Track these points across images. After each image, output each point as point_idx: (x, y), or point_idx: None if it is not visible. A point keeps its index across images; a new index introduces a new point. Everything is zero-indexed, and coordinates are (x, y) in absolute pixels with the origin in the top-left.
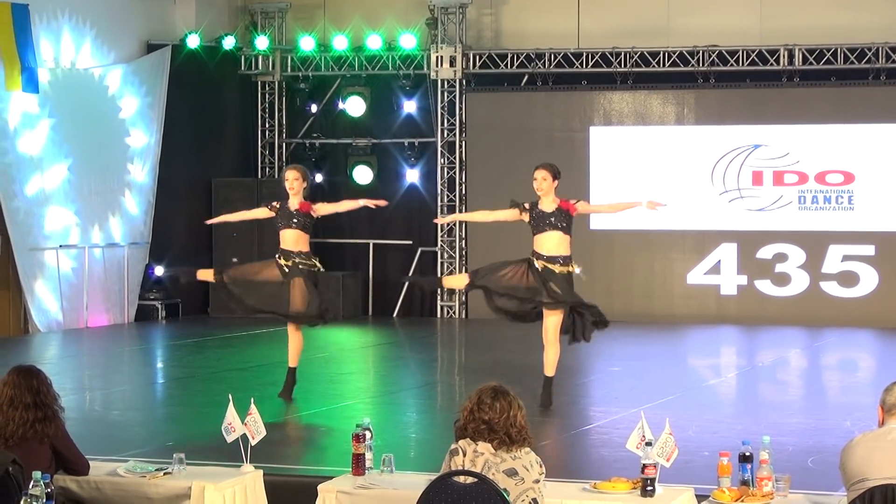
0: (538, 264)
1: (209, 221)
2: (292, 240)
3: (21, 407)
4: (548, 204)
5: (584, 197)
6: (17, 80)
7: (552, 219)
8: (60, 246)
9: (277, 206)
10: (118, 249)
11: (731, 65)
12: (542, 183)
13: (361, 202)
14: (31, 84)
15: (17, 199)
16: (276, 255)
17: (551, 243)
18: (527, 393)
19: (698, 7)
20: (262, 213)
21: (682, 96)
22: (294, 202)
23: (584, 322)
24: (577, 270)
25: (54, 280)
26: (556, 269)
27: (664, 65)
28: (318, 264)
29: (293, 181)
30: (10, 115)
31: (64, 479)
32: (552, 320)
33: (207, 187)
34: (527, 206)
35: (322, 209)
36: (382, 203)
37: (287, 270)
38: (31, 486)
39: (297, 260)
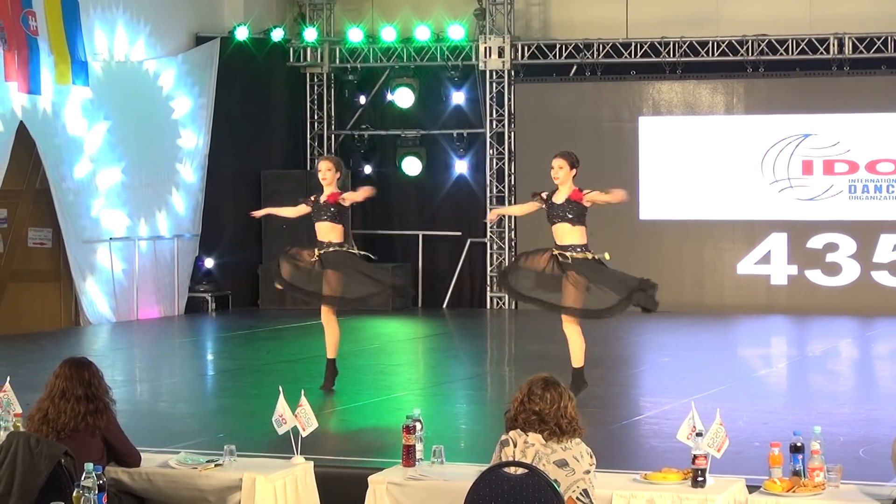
0: (556, 253)
1: (255, 213)
2: (325, 231)
3: (73, 399)
4: (561, 195)
5: (634, 186)
6: (67, 74)
7: (560, 210)
8: (111, 239)
9: (313, 199)
10: (168, 242)
11: (781, 54)
12: (559, 172)
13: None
14: (82, 77)
15: (70, 193)
16: (314, 248)
17: (561, 234)
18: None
19: None
20: (303, 209)
21: (731, 86)
22: (326, 193)
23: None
24: (606, 256)
25: (105, 272)
26: (572, 255)
27: (713, 54)
28: (354, 250)
29: (325, 172)
30: (66, 110)
31: (116, 471)
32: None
33: (257, 179)
34: (543, 195)
35: (350, 197)
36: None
37: (321, 261)
38: (83, 478)
39: (330, 250)
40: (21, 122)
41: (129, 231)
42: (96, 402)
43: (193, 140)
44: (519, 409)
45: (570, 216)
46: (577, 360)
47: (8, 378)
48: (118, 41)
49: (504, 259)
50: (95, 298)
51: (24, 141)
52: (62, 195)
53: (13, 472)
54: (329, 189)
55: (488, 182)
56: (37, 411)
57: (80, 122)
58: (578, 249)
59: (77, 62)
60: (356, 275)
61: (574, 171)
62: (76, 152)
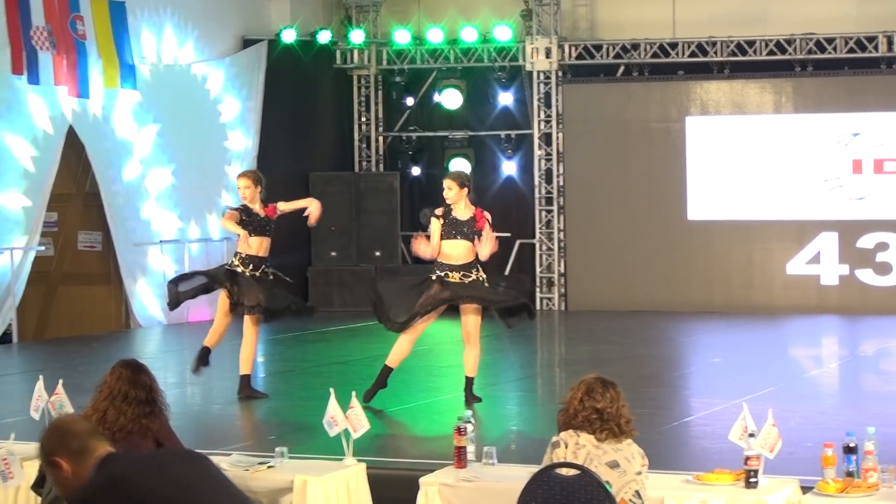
0: (451, 277)
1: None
2: (264, 247)
3: (135, 402)
4: (463, 212)
5: (681, 187)
6: (115, 78)
7: (462, 227)
8: (161, 241)
9: (240, 212)
10: (218, 244)
11: (829, 52)
12: (449, 192)
13: (311, 206)
14: (130, 81)
15: (119, 196)
16: (236, 262)
17: (460, 252)
18: (628, 386)
19: None
20: (235, 219)
21: (779, 85)
22: (259, 209)
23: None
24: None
25: (156, 275)
26: (470, 278)
27: (761, 53)
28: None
29: (244, 189)
30: (115, 113)
31: None
32: (471, 319)
33: (305, 182)
34: (439, 212)
35: (282, 207)
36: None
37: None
38: None
39: (265, 267)
40: (70, 125)
41: (179, 233)
42: (153, 406)
43: (242, 142)
44: (578, 407)
45: (475, 236)
46: (470, 369)
47: (60, 381)
48: (166, 44)
49: (553, 260)
50: (146, 301)
51: (73, 145)
52: (112, 198)
53: None
54: (256, 205)
55: (536, 183)
56: (93, 412)
57: (129, 126)
58: (474, 270)
59: (125, 66)
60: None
61: (465, 190)
62: (125, 155)
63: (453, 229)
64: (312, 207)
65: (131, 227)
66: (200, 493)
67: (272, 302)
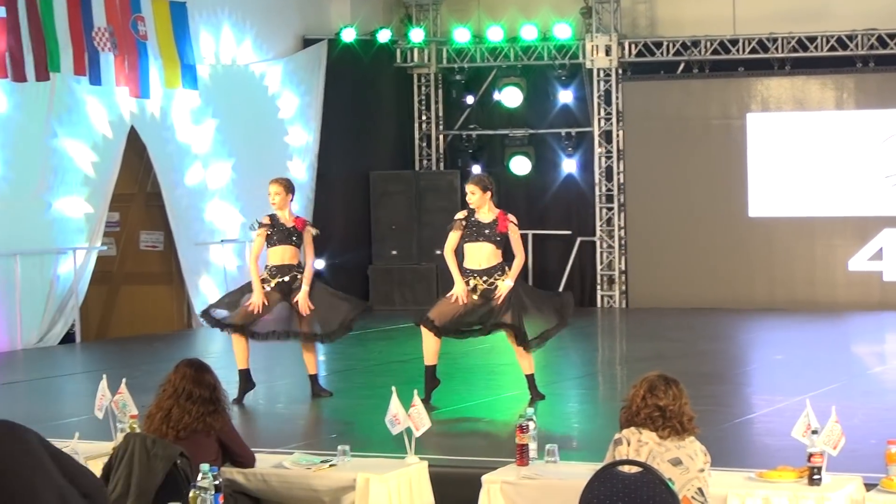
0: (473, 283)
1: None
2: (288, 255)
3: (199, 401)
4: (486, 215)
5: (743, 184)
6: (176, 78)
7: (485, 229)
8: (223, 241)
9: (270, 222)
10: None
11: (891, 48)
12: (472, 197)
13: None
14: (190, 81)
15: (181, 196)
16: (266, 276)
17: (482, 255)
18: (690, 383)
19: None
20: (259, 244)
21: (841, 81)
22: (287, 217)
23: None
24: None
25: (217, 274)
26: (491, 283)
27: (822, 49)
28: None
29: (275, 195)
30: (175, 113)
31: (231, 472)
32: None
33: (365, 180)
34: (461, 216)
35: (307, 237)
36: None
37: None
38: (199, 479)
39: (296, 274)
40: (132, 126)
41: (241, 230)
42: (216, 404)
43: (303, 137)
44: (641, 404)
45: (497, 238)
46: (527, 367)
47: (123, 380)
48: (225, 45)
49: (614, 257)
50: (207, 300)
51: (134, 145)
52: (173, 198)
53: (130, 474)
54: (285, 212)
55: (597, 181)
56: (157, 410)
57: (189, 126)
58: (498, 273)
59: (185, 66)
60: (328, 299)
61: (488, 194)
62: (186, 156)
63: (476, 232)
64: (300, 298)
65: (194, 228)
66: (18, 469)
67: (321, 326)
